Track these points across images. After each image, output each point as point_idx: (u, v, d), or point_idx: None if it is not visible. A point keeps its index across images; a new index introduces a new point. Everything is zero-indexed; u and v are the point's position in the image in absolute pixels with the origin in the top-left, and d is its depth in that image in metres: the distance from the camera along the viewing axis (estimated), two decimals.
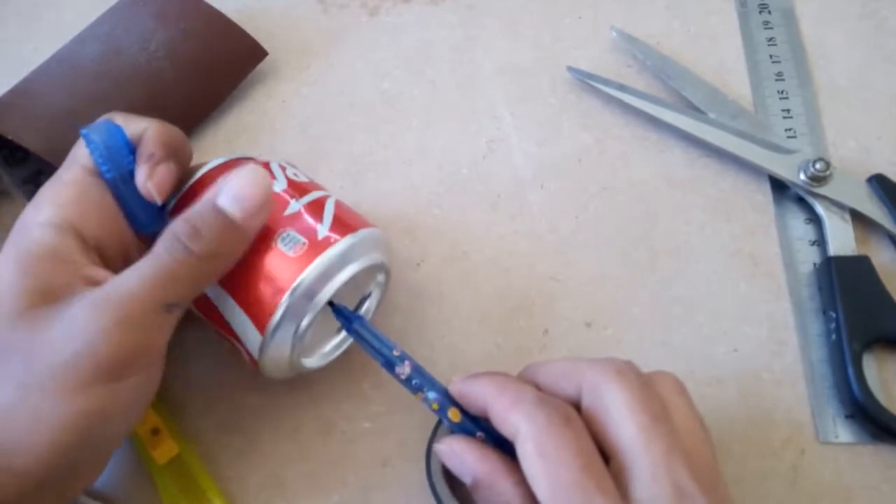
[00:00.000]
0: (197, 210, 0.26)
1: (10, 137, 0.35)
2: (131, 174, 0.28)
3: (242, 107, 0.41)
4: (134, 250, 0.29)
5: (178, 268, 0.25)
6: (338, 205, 0.30)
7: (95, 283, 0.25)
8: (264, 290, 0.27)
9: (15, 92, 0.37)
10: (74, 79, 0.37)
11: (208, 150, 0.40)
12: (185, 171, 0.30)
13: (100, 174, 0.28)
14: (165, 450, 0.31)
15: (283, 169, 0.31)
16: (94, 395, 0.23)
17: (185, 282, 0.25)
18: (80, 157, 0.28)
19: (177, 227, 0.25)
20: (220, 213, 0.26)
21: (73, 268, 0.25)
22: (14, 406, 0.23)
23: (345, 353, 0.32)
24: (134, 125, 0.28)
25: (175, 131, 0.29)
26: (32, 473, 0.23)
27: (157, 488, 0.31)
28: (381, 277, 0.32)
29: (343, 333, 0.32)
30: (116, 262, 0.28)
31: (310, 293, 0.27)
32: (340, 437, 0.32)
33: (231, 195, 0.26)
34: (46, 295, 0.24)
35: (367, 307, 0.32)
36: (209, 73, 0.40)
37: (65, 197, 0.27)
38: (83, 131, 0.28)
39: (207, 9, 0.40)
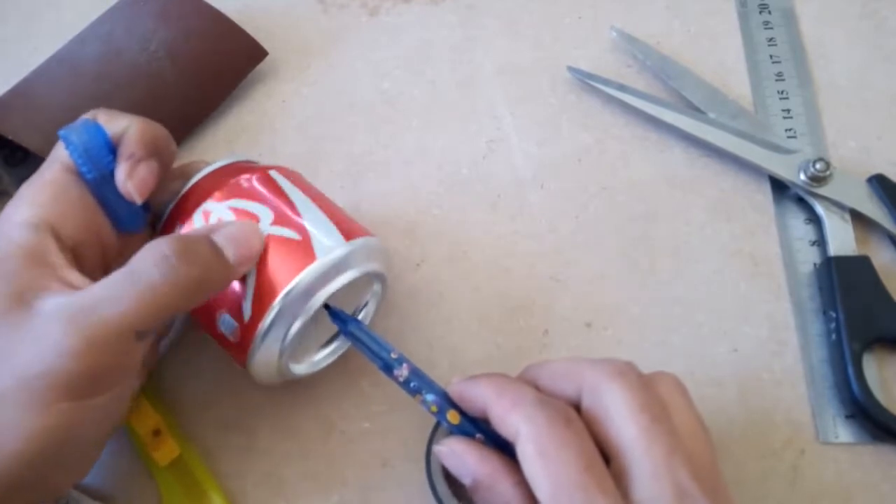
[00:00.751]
0: (190, 235, 0.26)
1: (10, 137, 0.35)
2: (112, 174, 0.27)
3: (242, 107, 0.41)
4: (112, 251, 0.29)
5: (157, 291, 0.24)
6: (270, 250, 0.27)
7: (71, 286, 0.25)
8: (232, 355, 0.29)
9: (15, 92, 0.37)
10: (75, 79, 0.38)
11: (208, 150, 0.40)
12: (167, 170, 0.29)
13: (80, 174, 0.27)
14: (167, 451, 0.31)
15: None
16: (61, 411, 0.23)
17: (160, 309, 0.24)
18: (60, 156, 0.28)
19: (165, 245, 0.25)
20: (213, 244, 0.26)
21: (49, 270, 0.25)
22: None
23: (344, 354, 0.32)
24: (116, 123, 0.28)
25: (158, 129, 0.29)
26: (1, 479, 0.23)
27: (159, 489, 0.31)
28: (377, 287, 0.31)
29: (335, 342, 0.32)
30: (94, 262, 0.28)
31: (301, 299, 0.27)
32: (340, 436, 0.32)
33: (226, 236, 0.26)
34: (20, 297, 0.24)
35: (363, 316, 0.32)
36: (209, 73, 0.40)
37: (43, 196, 0.27)
38: (61, 132, 0.27)
39: (208, 9, 0.40)
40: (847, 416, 0.32)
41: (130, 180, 0.27)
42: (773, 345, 0.33)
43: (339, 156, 0.39)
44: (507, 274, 0.36)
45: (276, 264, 0.27)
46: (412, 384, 0.28)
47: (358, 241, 0.28)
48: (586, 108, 0.40)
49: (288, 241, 0.28)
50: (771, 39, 0.42)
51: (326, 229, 0.28)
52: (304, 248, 0.27)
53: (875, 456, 0.31)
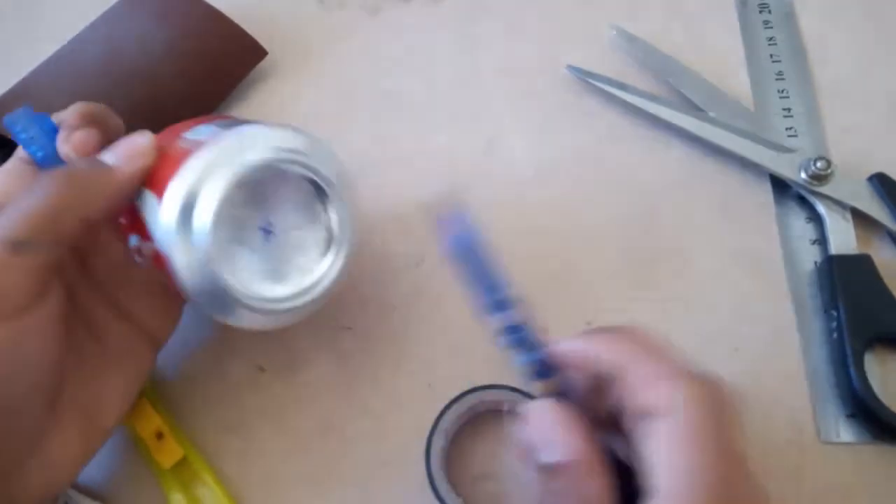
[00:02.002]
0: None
1: (9, 137, 0.35)
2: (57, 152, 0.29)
3: (242, 107, 0.41)
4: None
5: (26, 201, 0.25)
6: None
7: None
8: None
9: (15, 92, 0.37)
10: (74, 79, 0.38)
11: None
12: (113, 140, 0.29)
13: (33, 161, 0.29)
14: (170, 453, 0.31)
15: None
16: None
17: (35, 217, 0.24)
18: (19, 151, 0.30)
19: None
20: (87, 159, 0.27)
21: None
22: None
23: (343, 352, 0.32)
24: (58, 114, 0.29)
25: (95, 105, 0.29)
26: None
27: (163, 491, 0.31)
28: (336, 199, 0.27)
29: (294, 279, 0.26)
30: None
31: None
32: (340, 436, 0.32)
33: (109, 150, 0.27)
34: None
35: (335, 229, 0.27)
36: (209, 73, 0.40)
37: None
38: (5, 119, 0.29)
39: (207, 8, 0.40)
40: (848, 416, 0.31)
41: (67, 143, 0.28)
42: (773, 344, 0.33)
43: (339, 156, 0.39)
44: (506, 274, 0.36)
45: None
46: (513, 336, 0.22)
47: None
48: (586, 108, 0.40)
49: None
50: (771, 39, 0.42)
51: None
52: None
53: (877, 455, 0.31)
